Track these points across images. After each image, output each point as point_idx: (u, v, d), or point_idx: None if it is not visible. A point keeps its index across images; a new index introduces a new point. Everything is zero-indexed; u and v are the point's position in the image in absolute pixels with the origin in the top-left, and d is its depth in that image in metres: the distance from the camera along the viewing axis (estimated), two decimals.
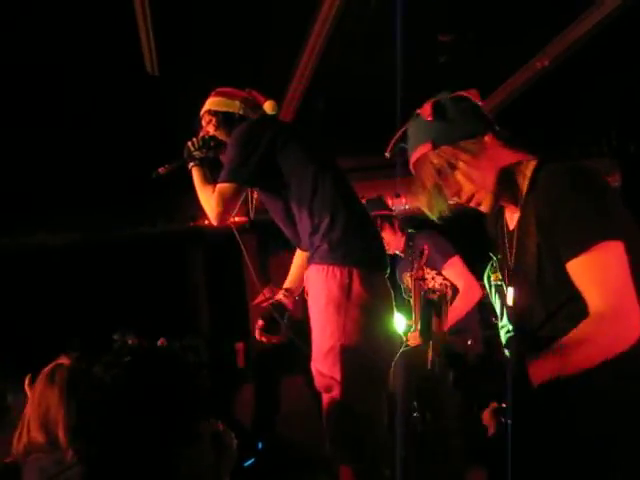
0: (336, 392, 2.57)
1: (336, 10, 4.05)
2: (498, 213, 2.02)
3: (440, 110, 1.93)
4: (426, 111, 1.93)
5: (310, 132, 2.98)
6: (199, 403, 1.47)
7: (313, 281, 2.70)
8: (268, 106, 3.02)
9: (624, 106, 6.64)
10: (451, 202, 1.95)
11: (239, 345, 6.39)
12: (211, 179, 2.93)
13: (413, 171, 1.98)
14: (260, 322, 3.01)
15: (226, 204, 2.75)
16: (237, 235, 3.09)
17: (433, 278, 4.01)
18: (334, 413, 2.59)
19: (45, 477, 1.39)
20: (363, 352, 2.60)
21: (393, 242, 4.09)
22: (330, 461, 2.73)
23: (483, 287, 5.18)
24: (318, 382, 2.65)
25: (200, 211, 6.32)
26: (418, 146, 1.92)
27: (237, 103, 3.01)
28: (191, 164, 3.00)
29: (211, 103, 3.05)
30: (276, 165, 2.75)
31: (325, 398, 2.63)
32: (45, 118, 5.21)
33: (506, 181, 1.92)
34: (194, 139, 3.03)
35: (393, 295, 2.81)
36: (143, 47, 4.25)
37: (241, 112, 3.00)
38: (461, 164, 1.86)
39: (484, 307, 5.88)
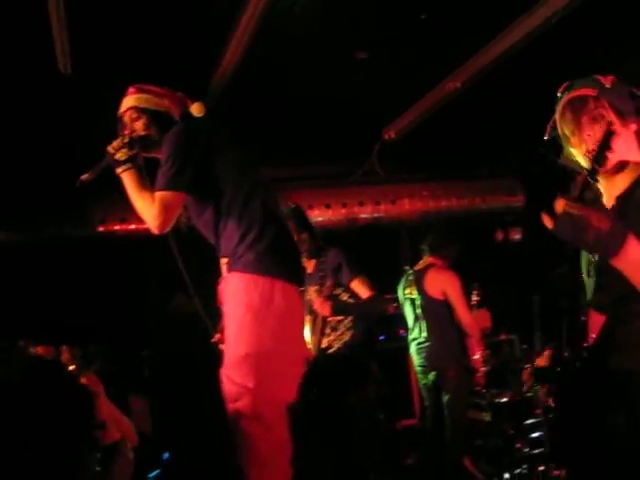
0: (245, 401, 2.55)
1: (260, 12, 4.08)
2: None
3: (617, 82, 2.12)
4: (607, 80, 2.12)
5: (241, 139, 2.94)
6: (87, 414, 1.43)
7: (233, 289, 2.67)
8: (196, 108, 2.90)
9: (530, 128, 6.91)
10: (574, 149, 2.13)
11: (145, 353, 6.27)
12: (146, 182, 2.77)
13: (565, 107, 2.15)
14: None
15: (169, 213, 2.63)
16: (172, 242, 2.93)
17: (339, 294, 4.09)
18: (240, 423, 2.56)
19: None
20: (276, 364, 2.61)
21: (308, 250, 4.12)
22: (237, 471, 2.71)
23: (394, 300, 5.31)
24: (226, 390, 2.62)
25: (109, 215, 6.30)
26: (585, 87, 2.13)
27: (166, 102, 2.87)
28: (120, 169, 2.76)
29: (137, 100, 2.87)
30: (212, 171, 2.69)
31: (230, 407, 2.60)
32: None
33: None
34: (114, 142, 2.80)
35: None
36: (56, 46, 4.14)
37: (167, 109, 2.87)
38: (608, 122, 2.00)
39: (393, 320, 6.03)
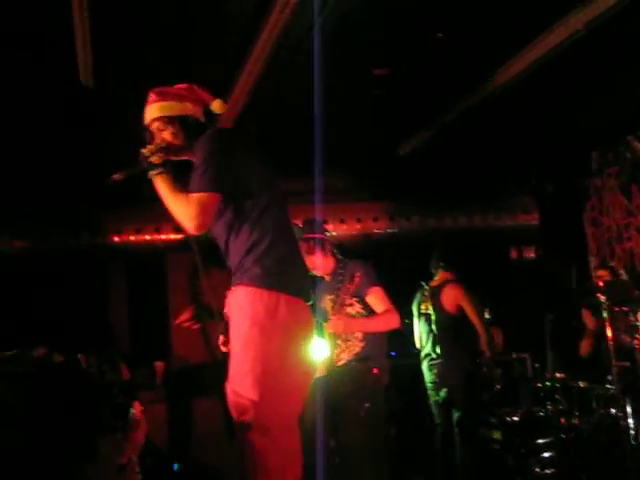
0: (250, 414, 2.56)
1: (276, 36, 4.13)
2: None
3: None
4: None
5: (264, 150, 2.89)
6: (100, 421, 1.44)
7: (238, 302, 2.67)
8: (216, 105, 2.89)
9: (545, 146, 6.95)
10: None
11: (158, 364, 6.31)
12: (179, 186, 2.73)
13: None
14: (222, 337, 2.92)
15: (207, 214, 2.61)
16: (195, 246, 2.92)
17: (352, 305, 4.06)
18: (247, 436, 2.56)
19: None
20: (282, 377, 2.61)
21: (322, 265, 4.11)
22: None
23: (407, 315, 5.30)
24: (232, 404, 2.63)
25: (124, 226, 6.37)
26: None
27: (189, 105, 2.83)
28: (154, 172, 2.74)
29: (161, 109, 2.83)
30: (238, 177, 2.68)
31: (237, 421, 2.60)
32: None
33: None
34: (148, 146, 2.77)
35: (313, 325, 2.84)
36: (79, 58, 4.20)
37: (192, 114, 2.83)
38: None
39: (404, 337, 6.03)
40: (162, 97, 2.85)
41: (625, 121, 6.27)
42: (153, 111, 2.84)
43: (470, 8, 4.25)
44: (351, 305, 4.07)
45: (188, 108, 2.82)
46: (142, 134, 2.86)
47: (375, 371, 4.02)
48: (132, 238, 6.50)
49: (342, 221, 6.87)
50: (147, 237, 6.50)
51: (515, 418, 4.65)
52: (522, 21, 4.41)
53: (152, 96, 2.87)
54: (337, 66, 4.60)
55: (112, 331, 6.70)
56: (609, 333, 4.28)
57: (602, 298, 4.22)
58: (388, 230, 7.03)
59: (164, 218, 6.54)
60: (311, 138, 4.34)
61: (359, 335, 4.04)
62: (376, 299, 4.05)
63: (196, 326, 4.50)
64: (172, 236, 6.52)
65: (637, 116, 6.14)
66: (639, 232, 6.60)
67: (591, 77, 5.30)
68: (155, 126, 2.83)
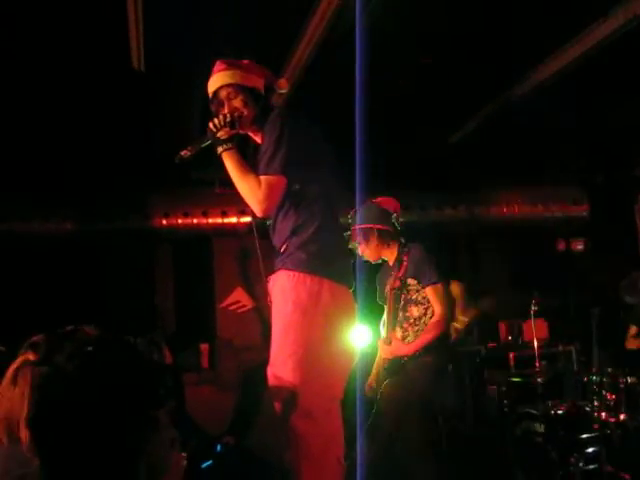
0: (292, 398, 2.56)
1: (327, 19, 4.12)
2: None
3: None
4: None
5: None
6: (160, 398, 1.46)
7: (281, 286, 2.67)
8: (282, 83, 2.85)
9: (596, 138, 6.82)
10: None
11: (204, 346, 6.40)
12: (247, 164, 2.66)
13: None
14: None
15: (275, 197, 2.60)
16: (255, 231, 2.87)
17: (417, 291, 4.01)
18: (288, 419, 2.57)
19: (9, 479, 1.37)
20: (323, 361, 2.60)
21: (367, 255, 4.06)
22: (288, 466, 2.74)
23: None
24: (273, 387, 2.64)
25: (172, 209, 6.45)
26: None
27: (255, 77, 2.77)
28: (221, 148, 2.65)
29: (232, 76, 2.74)
30: (306, 161, 2.66)
31: (278, 405, 2.62)
32: (27, 108, 5.21)
33: None
34: (215, 119, 2.67)
35: (356, 311, 2.84)
36: (131, 43, 4.26)
37: (258, 88, 2.77)
38: None
39: None
40: (230, 66, 2.77)
41: None
42: (223, 78, 2.75)
43: None
44: (417, 291, 3.99)
45: (254, 80, 2.77)
46: (209, 105, 2.80)
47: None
48: (180, 221, 6.58)
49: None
50: (194, 221, 6.57)
51: (560, 411, 4.59)
52: (577, 6, 4.33)
53: (220, 65, 2.79)
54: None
55: (159, 314, 6.81)
56: None
57: None
58: (435, 219, 6.98)
59: (212, 202, 6.68)
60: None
61: (427, 320, 3.97)
62: (434, 297, 3.92)
63: (241, 309, 4.54)
64: (219, 220, 6.58)
65: None
66: None
67: None
68: (224, 94, 2.75)
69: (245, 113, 2.74)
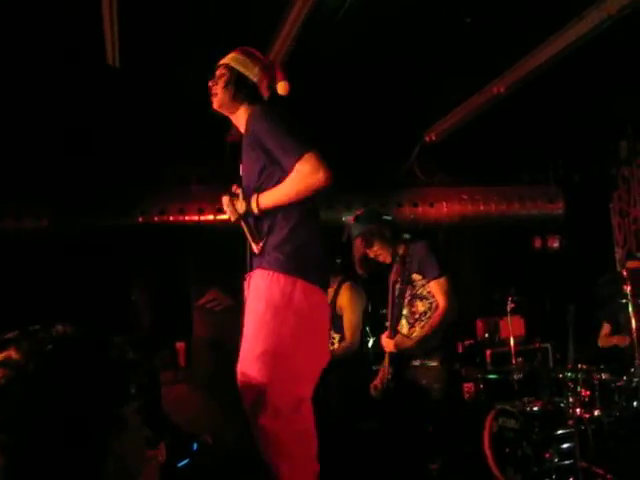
0: (261, 397, 2.55)
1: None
2: None
3: None
4: None
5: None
6: (127, 394, 1.44)
7: (256, 285, 2.68)
8: (282, 87, 2.86)
9: (573, 136, 6.87)
10: None
11: (180, 344, 6.36)
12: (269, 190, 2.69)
13: None
14: None
15: (323, 164, 2.56)
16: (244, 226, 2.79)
17: (423, 286, 4.02)
18: (259, 419, 2.55)
19: None
20: (293, 361, 2.60)
21: (384, 254, 4.08)
22: (263, 464, 2.73)
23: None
24: (242, 385, 2.62)
25: (148, 207, 6.40)
26: None
27: (256, 70, 2.84)
28: (255, 211, 2.71)
29: (231, 58, 2.86)
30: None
31: (247, 404, 2.60)
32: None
33: None
34: (229, 196, 2.78)
35: (329, 313, 2.84)
36: (106, 39, 4.22)
37: (255, 80, 2.83)
38: None
39: None
40: (240, 51, 2.89)
41: None
42: (226, 58, 2.88)
43: None
44: (423, 286, 3.99)
45: (254, 72, 2.84)
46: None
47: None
48: (156, 219, 6.53)
49: (366, 206, 6.84)
50: (171, 218, 6.53)
51: (535, 408, 4.62)
52: (555, 5, 4.35)
53: (236, 49, 2.91)
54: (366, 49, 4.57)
55: (135, 312, 6.76)
56: (633, 324, 4.25)
57: (627, 288, 4.18)
58: (411, 217, 7.00)
59: (187, 200, 6.63)
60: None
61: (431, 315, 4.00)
62: (438, 291, 3.93)
63: (217, 307, 4.53)
64: (195, 218, 6.54)
65: None
66: None
67: (624, 66, 5.23)
68: (219, 71, 2.86)
69: (221, 92, 2.81)
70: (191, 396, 5.81)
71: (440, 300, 3.92)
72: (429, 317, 3.95)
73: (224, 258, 6.66)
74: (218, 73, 2.85)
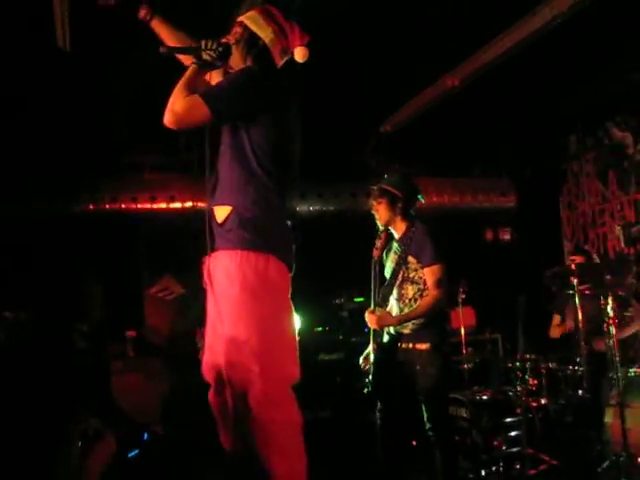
0: (252, 385, 2.41)
1: None
2: None
3: None
4: None
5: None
6: (73, 405, 1.41)
7: (224, 267, 2.52)
8: (298, 52, 2.72)
9: (524, 130, 6.98)
10: None
11: (130, 333, 6.28)
12: (195, 87, 2.59)
13: None
14: None
15: (190, 117, 2.52)
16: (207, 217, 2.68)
17: (416, 270, 3.96)
18: (251, 410, 2.41)
19: None
20: (280, 342, 2.50)
21: (380, 217, 4.03)
22: (219, 452, 2.65)
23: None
24: (229, 377, 2.46)
25: (100, 194, 6.30)
26: None
27: (269, 31, 2.68)
28: (195, 62, 2.63)
29: (248, 16, 2.71)
30: (264, 122, 2.58)
31: (236, 395, 2.45)
32: None
33: None
34: (210, 40, 2.62)
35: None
36: (56, 22, 4.12)
37: (267, 41, 2.68)
38: None
39: None
40: (259, 10, 2.74)
41: (605, 107, 6.32)
42: (244, 15, 2.73)
43: None
44: (415, 270, 3.95)
45: (267, 33, 2.69)
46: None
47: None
48: (107, 207, 6.43)
49: (320, 196, 6.85)
50: (122, 206, 6.43)
51: (485, 397, 4.70)
52: (506, 1, 4.41)
53: (261, 5, 2.77)
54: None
55: (85, 300, 6.65)
56: (580, 316, 4.34)
57: (574, 281, 4.27)
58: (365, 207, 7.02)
59: (140, 187, 6.55)
60: None
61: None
62: (430, 277, 3.87)
63: (170, 296, 4.46)
64: (148, 206, 6.45)
65: (616, 103, 6.18)
66: (613, 218, 6.68)
67: (573, 62, 5.32)
68: (233, 28, 2.73)
69: (230, 47, 2.67)
70: (141, 386, 5.75)
71: (431, 288, 3.86)
72: (418, 304, 3.92)
73: (176, 247, 6.64)
74: (233, 30, 2.73)
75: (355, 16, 4.53)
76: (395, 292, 3.98)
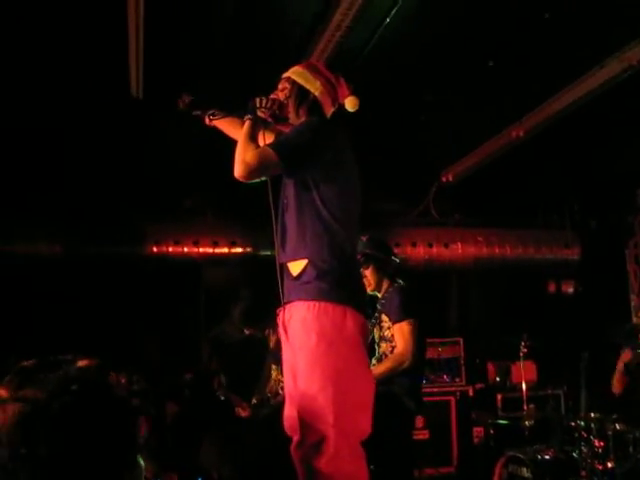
0: (325, 438, 2.40)
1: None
2: None
3: None
4: None
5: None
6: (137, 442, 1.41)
7: (301, 318, 2.53)
8: (350, 102, 2.81)
9: (590, 182, 6.87)
10: None
11: (189, 376, 6.29)
12: (256, 141, 2.65)
13: None
14: None
15: (261, 167, 2.52)
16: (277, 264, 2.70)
17: (388, 328, 4.01)
18: (318, 463, 2.39)
19: None
20: (354, 394, 2.48)
21: (370, 281, 4.07)
22: None
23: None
24: (299, 427, 2.46)
25: (163, 237, 6.42)
26: None
27: (318, 84, 2.75)
28: (248, 117, 2.66)
29: (294, 72, 2.80)
30: (330, 176, 2.61)
31: (305, 447, 2.44)
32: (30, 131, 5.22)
33: None
34: (263, 97, 2.73)
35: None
36: (131, 70, 4.27)
37: (317, 94, 2.75)
38: None
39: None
40: (304, 65, 2.85)
41: None
42: (289, 72, 2.82)
43: (520, 39, 4.24)
44: (389, 328, 4.00)
45: (316, 86, 2.76)
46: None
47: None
48: (170, 249, 6.53)
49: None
50: (185, 249, 6.53)
51: (547, 456, 4.54)
52: (573, 54, 4.38)
53: (303, 63, 2.91)
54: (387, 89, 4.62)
55: (145, 344, 6.71)
56: None
57: None
58: (426, 257, 6.98)
59: (203, 231, 6.64)
60: None
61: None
62: (398, 334, 3.90)
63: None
64: (209, 250, 6.54)
65: None
66: None
67: None
68: (280, 84, 2.82)
69: (282, 103, 2.76)
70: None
71: (399, 344, 3.88)
72: (384, 361, 3.95)
73: (237, 290, 6.68)
74: (280, 86, 2.81)
75: (421, 66, 4.57)
76: (376, 351, 4.03)
